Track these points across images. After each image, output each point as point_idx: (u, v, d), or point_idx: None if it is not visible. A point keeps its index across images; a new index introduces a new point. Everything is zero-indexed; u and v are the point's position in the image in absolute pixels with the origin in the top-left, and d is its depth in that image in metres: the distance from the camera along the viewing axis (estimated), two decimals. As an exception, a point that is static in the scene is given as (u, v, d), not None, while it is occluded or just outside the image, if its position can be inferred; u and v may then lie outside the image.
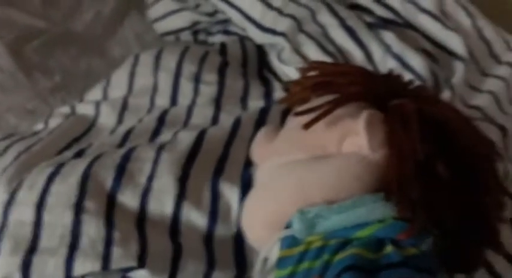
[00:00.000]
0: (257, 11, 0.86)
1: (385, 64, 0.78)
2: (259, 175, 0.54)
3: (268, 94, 0.76)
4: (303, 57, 0.79)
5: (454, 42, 0.82)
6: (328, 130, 0.48)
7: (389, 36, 0.80)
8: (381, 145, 0.46)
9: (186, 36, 0.98)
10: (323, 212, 0.45)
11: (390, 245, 0.42)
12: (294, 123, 0.51)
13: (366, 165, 0.46)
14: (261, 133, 0.56)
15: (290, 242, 0.46)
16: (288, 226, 0.47)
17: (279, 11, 0.84)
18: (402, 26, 0.84)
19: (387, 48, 0.79)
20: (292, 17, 0.83)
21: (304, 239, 0.45)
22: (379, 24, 0.82)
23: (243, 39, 0.90)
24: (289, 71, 0.78)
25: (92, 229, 0.53)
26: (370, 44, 0.79)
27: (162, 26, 0.98)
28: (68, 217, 0.53)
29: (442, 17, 0.84)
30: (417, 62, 0.78)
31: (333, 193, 0.46)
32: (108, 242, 0.52)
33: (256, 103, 0.73)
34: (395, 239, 0.43)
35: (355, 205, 0.44)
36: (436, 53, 0.82)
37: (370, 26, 0.81)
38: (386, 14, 0.85)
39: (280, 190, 0.49)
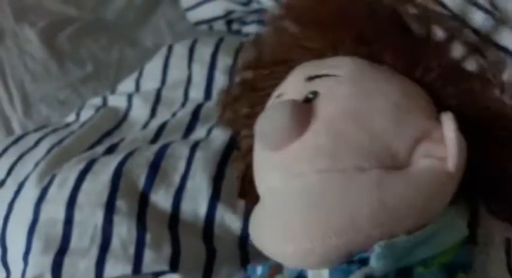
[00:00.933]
0: (294, 1, 0.82)
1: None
2: (293, 177, 0.40)
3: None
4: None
5: (504, 36, 0.77)
6: (399, 131, 0.39)
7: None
8: (462, 162, 0.40)
9: (219, 25, 0.95)
10: (409, 244, 0.37)
11: (462, 273, 0.38)
12: (339, 106, 0.40)
13: (449, 184, 0.40)
14: (288, 111, 0.40)
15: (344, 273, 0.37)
16: (355, 260, 0.37)
17: (318, 1, 0.81)
18: (450, 19, 0.79)
19: (432, 42, 0.75)
20: (332, 7, 0.79)
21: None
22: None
23: (279, 30, 0.87)
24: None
25: (124, 230, 0.51)
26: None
27: (195, 15, 0.96)
28: (99, 217, 0.52)
29: (491, 9, 0.79)
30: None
31: (417, 218, 0.38)
32: (140, 245, 0.51)
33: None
34: (463, 265, 0.39)
35: (436, 231, 0.38)
36: (484, 47, 0.77)
37: (415, 18, 0.77)
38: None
39: (351, 210, 0.37)
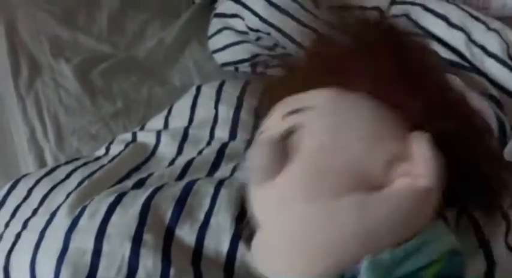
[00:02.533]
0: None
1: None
2: (282, 207, 0.44)
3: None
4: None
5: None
6: (372, 155, 0.43)
7: (453, 80, 0.78)
8: (438, 177, 0.43)
9: (244, 67, 0.99)
10: (395, 258, 0.40)
11: None
12: (316, 139, 0.44)
13: (428, 199, 0.43)
14: (266, 151, 0.45)
15: None
16: (348, 275, 0.41)
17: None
18: (467, 70, 0.82)
19: (451, 92, 0.77)
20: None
21: None
22: (443, 67, 0.81)
23: (302, 74, 0.90)
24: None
25: (149, 262, 0.53)
26: (434, 87, 0.78)
27: (222, 57, 1.00)
28: (126, 249, 0.54)
29: (509, 61, 0.82)
30: (482, 107, 0.75)
31: (400, 233, 0.41)
32: (164, 278, 0.53)
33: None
34: (456, 276, 0.41)
35: (422, 243, 0.41)
36: (502, 98, 0.79)
37: (434, 68, 0.80)
38: (451, 57, 0.83)
39: (336, 232, 0.41)
